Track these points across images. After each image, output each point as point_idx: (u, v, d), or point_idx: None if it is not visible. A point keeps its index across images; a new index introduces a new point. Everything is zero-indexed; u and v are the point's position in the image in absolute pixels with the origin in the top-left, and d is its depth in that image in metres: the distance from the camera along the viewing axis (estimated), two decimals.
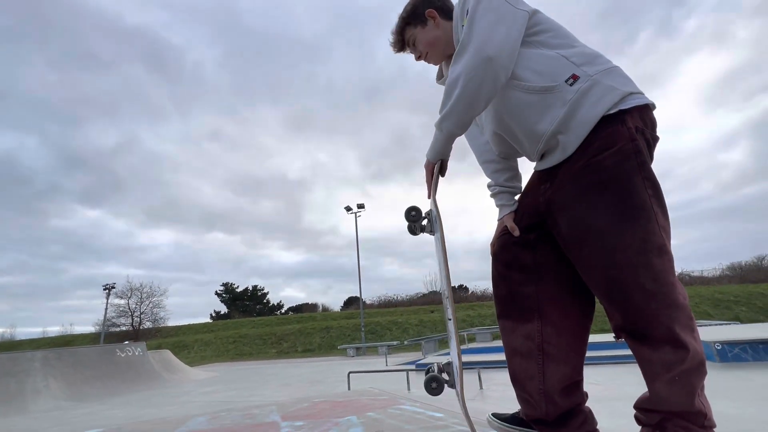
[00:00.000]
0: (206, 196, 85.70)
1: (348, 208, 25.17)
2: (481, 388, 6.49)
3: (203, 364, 19.28)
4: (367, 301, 38.39)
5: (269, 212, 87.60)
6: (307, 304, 51.00)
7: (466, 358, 10.16)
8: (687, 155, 73.02)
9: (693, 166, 71.32)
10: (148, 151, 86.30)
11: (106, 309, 29.76)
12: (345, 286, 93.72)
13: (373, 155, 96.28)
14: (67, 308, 72.80)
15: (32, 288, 71.81)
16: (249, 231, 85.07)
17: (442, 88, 1.06)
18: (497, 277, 1.16)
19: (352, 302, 50.92)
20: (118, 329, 33.49)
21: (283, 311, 51.39)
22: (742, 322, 20.20)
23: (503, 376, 7.80)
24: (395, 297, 39.31)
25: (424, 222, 1.18)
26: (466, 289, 47.15)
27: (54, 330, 46.27)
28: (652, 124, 0.95)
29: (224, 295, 49.71)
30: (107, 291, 30.29)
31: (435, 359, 10.39)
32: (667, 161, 76.20)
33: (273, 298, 53.22)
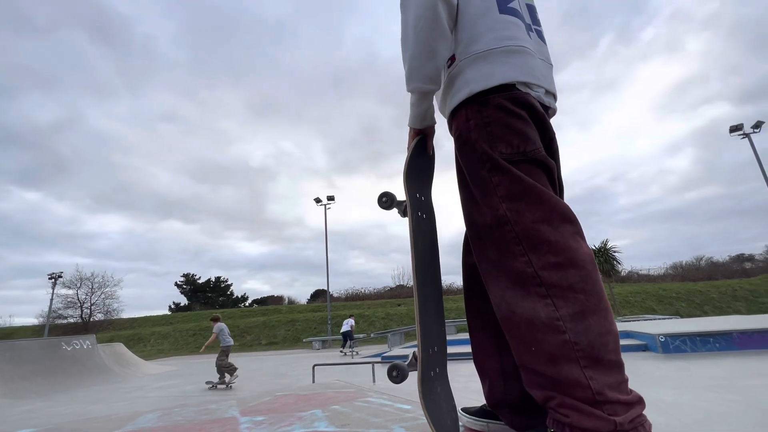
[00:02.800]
0: (162, 182, 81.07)
1: (318, 200, 24.79)
2: None
3: (160, 358, 18.41)
4: (335, 294, 38.17)
5: (231, 201, 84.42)
6: (272, 296, 50.01)
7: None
8: (639, 160, 77.74)
9: (644, 170, 76.12)
10: (94, 130, 79.62)
11: (52, 300, 27.65)
12: (311, 279, 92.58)
13: (341, 146, 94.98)
14: (3, 299, 66.96)
15: None
16: (209, 220, 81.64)
17: None
18: (463, 255, 1.11)
19: (318, 295, 50.42)
20: (65, 321, 31.30)
21: (247, 304, 50.08)
22: (682, 316, 21.98)
23: (467, 368, 8.02)
24: (363, 290, 39.40)
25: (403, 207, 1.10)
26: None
27: None
28: (503, 108, 0.90)
29: (184, 287, 47.66)
30: (53, 280, 28.13)
31: (401, 351, 10.51)
32: (623, 165, 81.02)
33: (237, 291, 51.70)
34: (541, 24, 1.10)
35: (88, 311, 31.96)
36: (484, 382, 1.08)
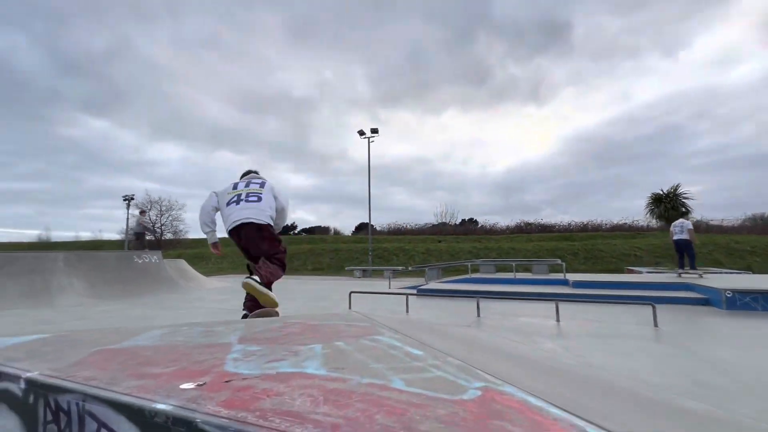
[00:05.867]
0: (210, 111, 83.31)
1: (361, 132, 24.22)
2: (478, 315, 6.56)
3: (220, 275, 20.48)
4: (377, 228, 39.14)
5: (276, 132, 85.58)
6: (319, 227, 52.57)
7: (467, 286, 10.30)
8: (731, 93, 65.76)
9: (737, 105, 64.76)
10: (142, 58, 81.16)
11: (128, 219, 31.10)
12: (354, 212, 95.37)
13: (384, 74, 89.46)
14: (90, 216, 76.98)
15: (54, 195, 75.46)
16: (257, 151, 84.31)
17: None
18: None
19: (362, 228, 52.15)
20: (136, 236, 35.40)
21: (295, 232, 53.27)
22: (753, 272, 19.96)
23: (501, 306, 7.84)
24: (404, 225, 39.90)
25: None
26: (476, 222, 47.48)
27: (86, 235, 49.40)
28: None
29: None
30: (127, 202, 31.36)
31: (437, 285, 10.61)
32: (709, 100, 69.52)
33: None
34: (258, 195, 3.12)
35: (159, 231, 35.72)
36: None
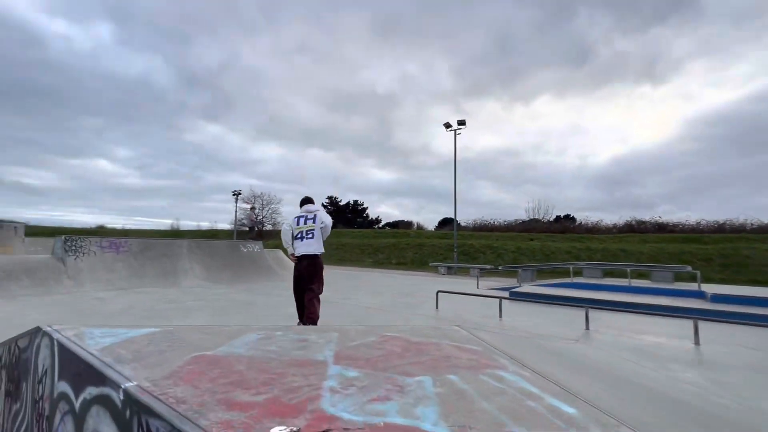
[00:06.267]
0: (302, 113, 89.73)
1: (447, 125, 23.51)
2: (587, 328, 5.69)
3: None
4: (462, 224, 37.89)
5: (361, 129, 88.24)
6: (402, 221, 53.13)
7: (569, 292, 9.13)
8: None
9: None
10: (247, 68, 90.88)
11: (236, 211, 35.28)
12: (437, 207, 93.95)
13: (469, 64, 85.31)
14: (208, 209, 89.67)
15: (181, 190, 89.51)
16: (343, 148, 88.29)
17: None
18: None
19: (446, 223, 51.20)
20: (246, 229, 39.90)
21: (380, 226, 54.70)
22: None
23: (614, 319, 6.74)
24: (491, 221, 37.91)
25: None
26: (573, 219, 42.94)
27: (205, 225, 57.72)
28: None
29: (329, 207, 54.59)
30: (235, 197, 35.55)
31: (531, 289, 9.63)
32: None
33: (371, 213, 56.59)
34: (312, 232, 4.80)
35: (261, 223, 39.80)
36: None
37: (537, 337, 4.96)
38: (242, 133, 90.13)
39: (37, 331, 1.53)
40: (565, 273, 15.25)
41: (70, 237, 10.08)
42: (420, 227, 48.14)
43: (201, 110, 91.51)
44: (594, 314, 6.37)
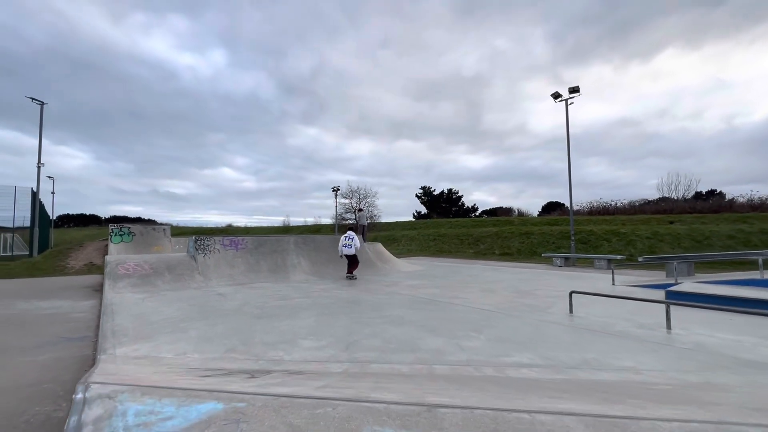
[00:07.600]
0: (388, 106, 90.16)
1: (556, 95, 20.50)
2: None
3: (409, 256, 21.54)
4: (575, 207, 33.40)
5: (449, 116, 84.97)
6: (501, 207, 49.61)
7: (765, 293, 6.55)
8: None
9: None
10: (335, 70, 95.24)
11: (336, 207, 37.03)
12: (539, 190, 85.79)
13: (569, 26, 74.57)
14: (311, 205, 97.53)
15: (290, 190, 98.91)
16: (432, 137, 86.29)
17: None
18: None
19: (553, 207, 46.04)
20: (347, 222, 41.73)
21: (477, 214, 52.02)
22: None
23: None
24: (611, 203, 32.52)
25: None
26: (721, 194, 34.33)
27: (310, 221, 62.74)
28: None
29: (423, 197, 53.94)
30: (335, 192, 37.29)
31: (694, 288, 7.25)
32: None
33: (466, 201, 54.26)
34: (350, 244, 10.65)
35: (371, 216, 41.12)
36: None
37: None
38: (335, 132, 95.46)
39: None
40: (738, 265, 11.77)
41: (199, 237, 11.23)
42: (521, 213, 44.23)
43: (299, 115, 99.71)
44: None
